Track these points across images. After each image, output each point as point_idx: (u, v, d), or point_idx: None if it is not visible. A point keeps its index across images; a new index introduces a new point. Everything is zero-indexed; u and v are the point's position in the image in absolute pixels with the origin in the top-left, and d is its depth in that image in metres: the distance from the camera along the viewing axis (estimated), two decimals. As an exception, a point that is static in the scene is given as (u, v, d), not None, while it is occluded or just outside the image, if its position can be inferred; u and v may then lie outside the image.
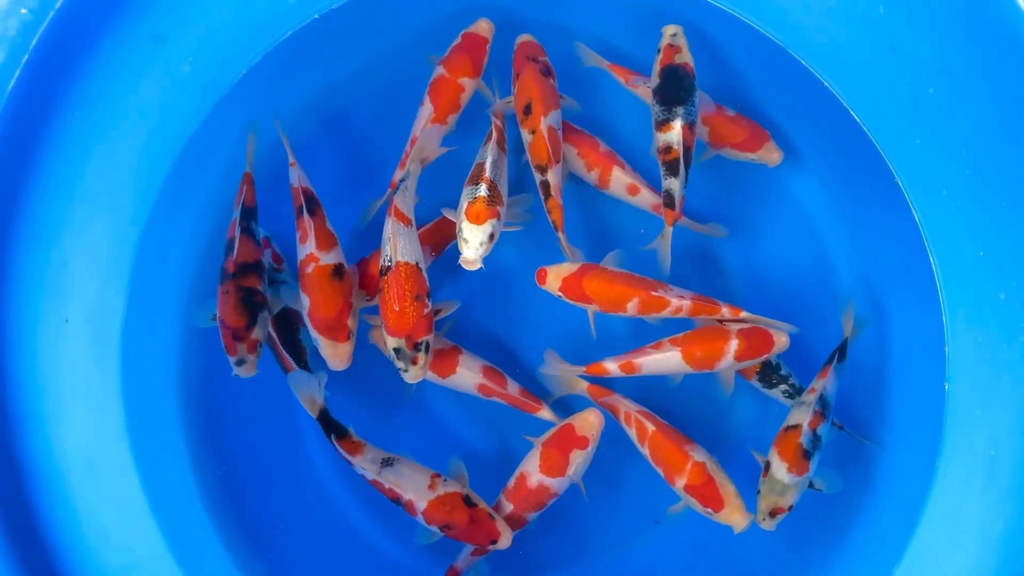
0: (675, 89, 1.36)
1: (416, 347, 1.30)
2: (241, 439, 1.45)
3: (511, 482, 1.39)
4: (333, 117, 1.51)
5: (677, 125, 1.36)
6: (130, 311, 1.32)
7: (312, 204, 1.37)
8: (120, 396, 1.31)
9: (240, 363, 1.33)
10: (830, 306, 1.46)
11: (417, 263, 1.30)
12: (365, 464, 1.35)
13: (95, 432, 1.30)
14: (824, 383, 1.37)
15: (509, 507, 1.38)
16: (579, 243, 1.54)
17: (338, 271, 1.36)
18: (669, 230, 1.38)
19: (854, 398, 1.46)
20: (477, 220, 1.29)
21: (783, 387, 1.45)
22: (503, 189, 1.34)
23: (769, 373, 1.45)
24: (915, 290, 1.34)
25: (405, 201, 1.34)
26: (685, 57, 1.37)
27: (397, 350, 1.30)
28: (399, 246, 1.29)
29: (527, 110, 1.37)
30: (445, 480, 1.36)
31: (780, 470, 1.32)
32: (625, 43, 1.49)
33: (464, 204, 1.31)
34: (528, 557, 1.50)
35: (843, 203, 1.47)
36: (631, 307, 1.36)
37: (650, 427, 1.38)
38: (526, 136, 1.38)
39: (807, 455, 1.32)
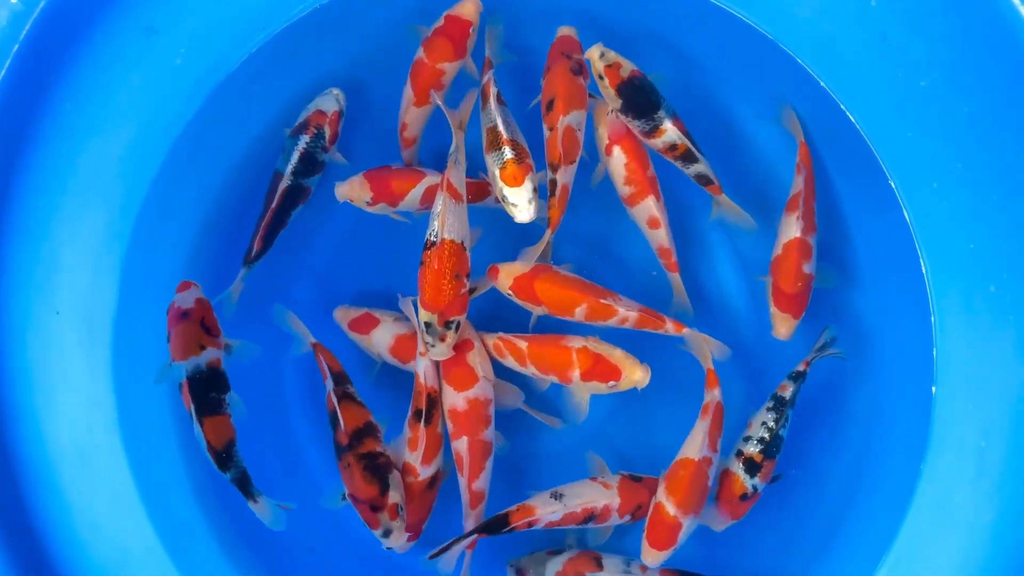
0: (643, 98, 1.37)
1: (447, 325, 1.32)
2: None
3: (449, 426, 1.38)
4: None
5: (668, 125, 1.37)
6: (121, 304, 1.32)
7: (432, 411, 1.36)
8: (111, 389, 1.30)
9: (387, 534, 1.30)
10: (815, 300, 1.47)
11: (463, 241, 1.32)
12: (546, 512, 1.34)
13: (86, 425, 1.30)
14: None
15: (463, 440, 1.37)
16: (573, 247, 1.55)
17: (433, 481, 1.37)
18: (722, 197, 1.42)
19: (842, 389, 1.47)
20: (516, 182, 1.31)
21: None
22: (523, 142, 1.35)
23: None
24: (904, 282, 1.35)
25: (457, 175, 1.33)
26: (627, 68, 1.37)
27: (428, 324, 1.32)
28: (447, 223, 1.31)
29: (550, 106, 1.38)
30: (601, 477, 1.38)
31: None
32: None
33: (496, 172, 1.32)
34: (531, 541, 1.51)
35: (832, 196, 1.47)
36: (579, 312, 1.37)
37: (522, 344, 1.39)
38: (546, 131, 1.39)
39: None
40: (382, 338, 1.44)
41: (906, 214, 1.33)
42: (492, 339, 1.42)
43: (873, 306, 1.47)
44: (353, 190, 1.41)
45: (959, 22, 1.28)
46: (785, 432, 1.39)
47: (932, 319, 1.32)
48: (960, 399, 1.30)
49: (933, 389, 1.31)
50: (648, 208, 1.43)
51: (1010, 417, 1.28)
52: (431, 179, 1.42)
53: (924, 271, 1.32)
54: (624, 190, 1.44)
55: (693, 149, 1.38)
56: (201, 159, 1.39)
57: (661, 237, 1.45)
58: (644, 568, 1.39)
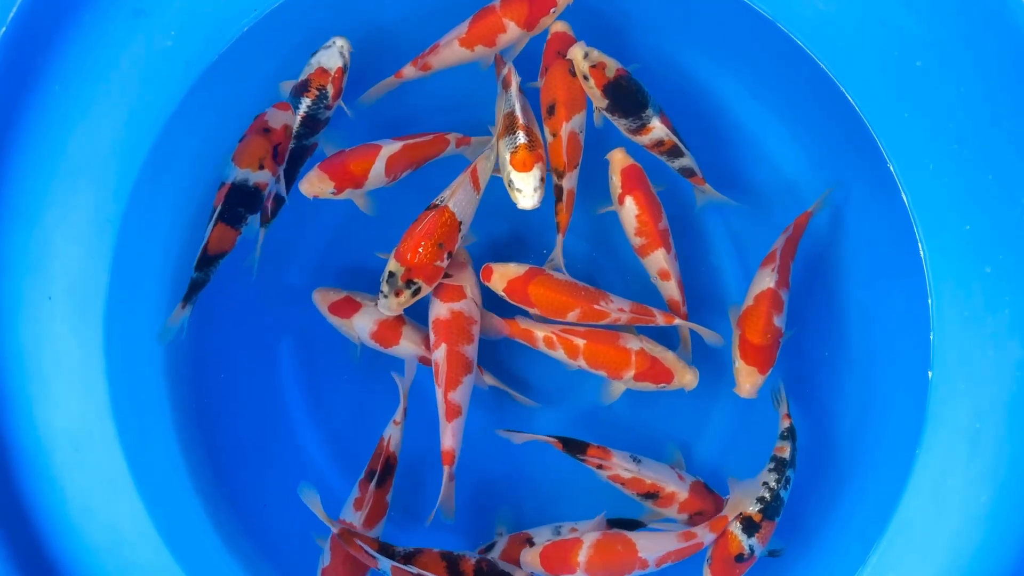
0: (629, 97, 1.36)
1: (408, 284, 1.32)
2: (227, 416, 1.45)
3: (431, 337, 1.37)
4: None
5: (655, 123, 1.37)
6: (113, 288, 1.31)
7: (387, 476, 1.36)
8: (104, 374, 1.30)
9: None
10: (810, 280, 1.47)
11: (461, 222, 1.34)
12: (620, 465, 1.36)
13: (79, 410, 1.30)
14: None
15: (442, 348, 1.36)
16: (574, 240, 1.54)
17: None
18: (706, 187, 1.44)
19: (838, 370, 1.47)
20: (525, 168, 1.33)
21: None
22: (537, 132, 1.37)
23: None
24: (901, 263, 1.34)
25: (484, 169, 1.37)
26: (612, 67, 1.35)
27: (392, 274, 1.33)
28: (457, 197, 1.34)
29: (551, 111, 1.37)
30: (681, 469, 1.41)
31: None
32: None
33: (507, 155, 1.34)
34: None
35: (829, 176, 1.46)
36: (572, 316, 1.38)
37: (580, 341, 1.39)
38: (548, 136, 1.38)
39: None
40: (363, 323, 1.42)
41: (904, 196, 1.32)
42: (546, 331, 1.41)
43: (871, 290, 1.47)
44: (313, 186, 1.35)
45: (954, 2, 1.27)
46: (787, 494, 1.36)
47: (929, 302, 1.31)
48: (954, 380, 1.30)
49: (929, 374, 1.31)
50: (658, 260, 1.42)
51: (1004, 398, 1.28)
52: (388, 149, 1.38)
53: (922, 254, 1.32)
54: (635, 240, 1.43)
55: (679, 144, 1.38)
56: (193, 141, 1.38)
57: (671, 289, 1.44)
58: (574, 528, 1.39)
